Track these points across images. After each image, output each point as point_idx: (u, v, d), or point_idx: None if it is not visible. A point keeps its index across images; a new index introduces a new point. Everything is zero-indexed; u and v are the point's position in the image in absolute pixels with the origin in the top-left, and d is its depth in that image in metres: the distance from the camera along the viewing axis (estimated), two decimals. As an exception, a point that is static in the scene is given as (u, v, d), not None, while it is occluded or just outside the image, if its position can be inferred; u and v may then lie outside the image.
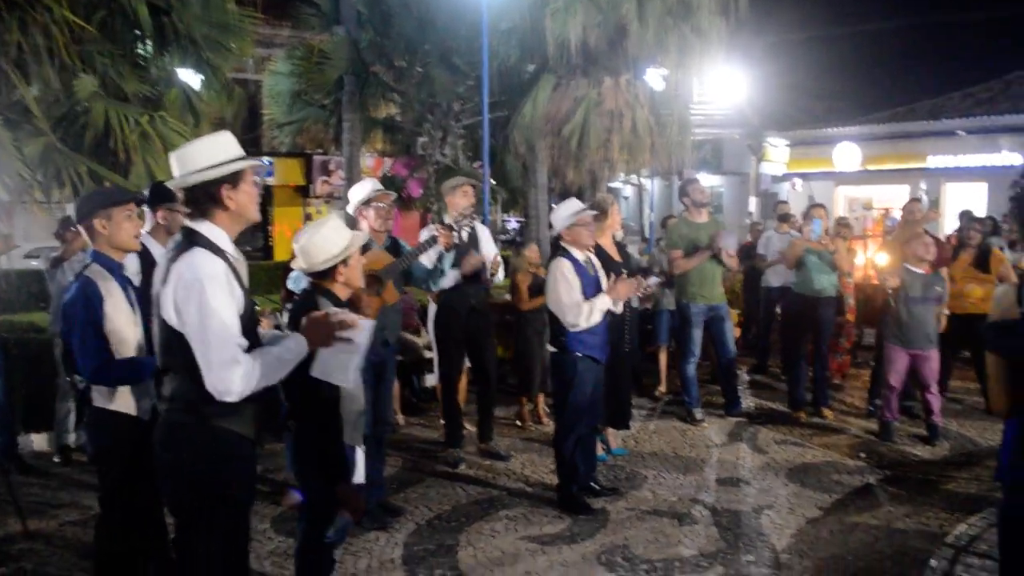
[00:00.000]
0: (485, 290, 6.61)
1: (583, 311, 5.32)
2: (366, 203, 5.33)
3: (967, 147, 21.35)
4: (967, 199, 20.64)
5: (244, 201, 2.86)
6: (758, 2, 16.85)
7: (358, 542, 4.95)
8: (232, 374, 2.65)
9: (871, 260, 8.73)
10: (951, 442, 7.14)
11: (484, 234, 6.54)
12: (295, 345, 2.86)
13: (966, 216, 10.44)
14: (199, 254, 2.73)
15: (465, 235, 6.28)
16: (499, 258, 6.50)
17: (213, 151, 2.85)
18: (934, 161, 21.77)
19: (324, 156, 21.27)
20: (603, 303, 5.39)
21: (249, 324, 2.83)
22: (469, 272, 6.26)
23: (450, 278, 6.11)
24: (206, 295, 2.67)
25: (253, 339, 2.83)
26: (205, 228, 2.82)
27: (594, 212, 5.76)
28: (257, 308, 3.45)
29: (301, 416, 3.36)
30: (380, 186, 5.47)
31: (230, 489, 2.84)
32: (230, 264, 2.80)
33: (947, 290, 7.45)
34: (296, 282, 4.96)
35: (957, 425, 7.64)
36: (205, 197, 2.82)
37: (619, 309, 5.67)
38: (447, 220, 5.88)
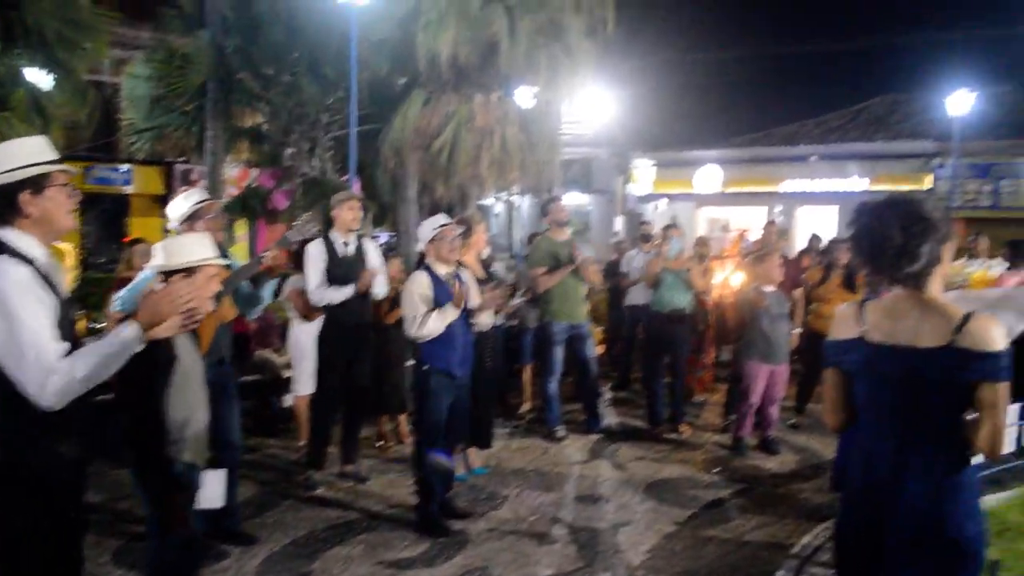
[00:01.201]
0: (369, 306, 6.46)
1: (416, 320, 5.29)
2: (192, 218, 4.87)
3: (820, 172, 22.55)
4: (819, 222, 21.67)
5: (49, 208, 2.70)
6: (627, 25, 17.31)
7: (207, 574, 4.72)
8: (49, 382, 2.52)
9: (727, 280, 9.03)
10: (800, 455, 7.44)
11: (372, 249, 6.41)
12: (123, 334, 2.69)
13: (823, 239, 11.02)
14: (1, 262, 2.57)
15: (353, 250, 6.17)
16: (383, 274, 6.40)
17: (13, 155, 2.68)
18: (789, 185, 22.88)
19: (186, 165, 20.48)
20: (443, 314, 5.36)
21: (67, 329, 2.68)
22: (364, 289, 6.12)
23: (344, 293, 6.03)
24: (11, 304, 2.52)
25: (73, 344, 2.68)
26: (8, 235, 2.65)
27: (458, 228, 5.75)
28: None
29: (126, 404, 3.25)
30: (204, 195, 5.05)
31: (48, 518, 2.65)
32: (40, 271, 2.64)
33: (800, 308, 7.77)
34: (124, 303, 4.67)
35: (806, 438, 7.98)
36: (3, 203, 2.65)
37: (486, 326, 5.66)
38: (297, 238, 5.53)
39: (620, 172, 25.47)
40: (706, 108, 24.29)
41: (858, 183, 21.97)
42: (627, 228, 24.10)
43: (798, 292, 8.85)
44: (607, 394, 9.56)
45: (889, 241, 2.54)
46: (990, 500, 5.07)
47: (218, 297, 4.86)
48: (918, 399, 2.54)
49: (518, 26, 14.33)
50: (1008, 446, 5.14)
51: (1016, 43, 22.64)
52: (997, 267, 4.64)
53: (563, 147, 17.08)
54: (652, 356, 8.17)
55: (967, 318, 2.47)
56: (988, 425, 2.46)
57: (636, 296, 9.56)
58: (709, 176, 23.49)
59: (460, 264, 5.89)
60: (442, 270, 5.50)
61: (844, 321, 2.74)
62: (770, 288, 7.29)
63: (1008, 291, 4.24)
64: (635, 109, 24.41)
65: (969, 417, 2.50)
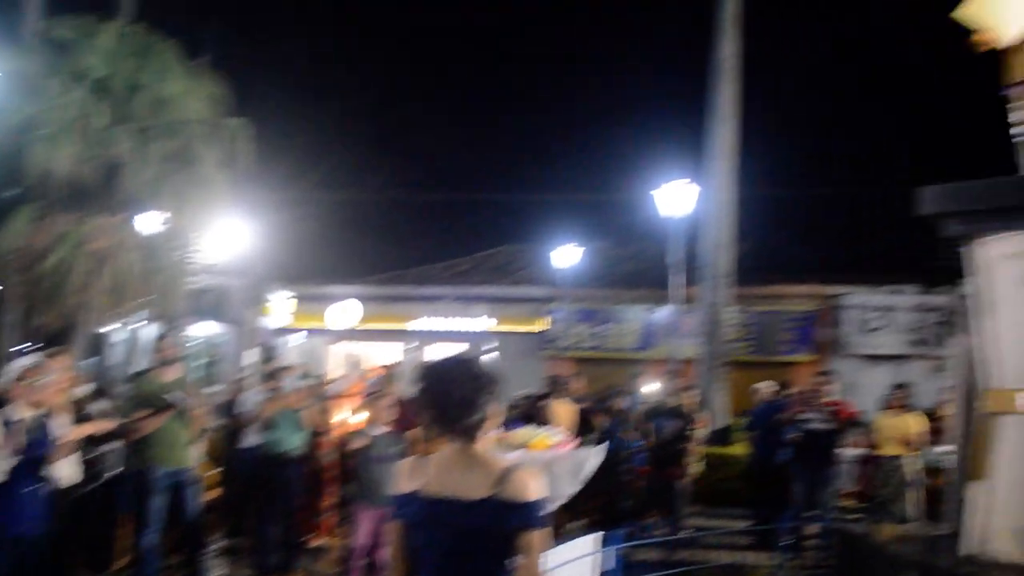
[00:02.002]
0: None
1: None
2: None
3: (450, 312, 23.79)
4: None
5: None
6: (267, 156, 17.36)
7: None
8: None
9: (349, 419, 9.04)
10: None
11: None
12: None
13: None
14: None
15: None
16: None
17: None
18: (422, 323, 23.84)
19: None
20: None
21: None
22: None
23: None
24: None
25: None
26: None
27: (53, 367, 5.23)
28: None
29: None
30: None
31: None
32: None
33: (416, 450, 7.89)
34: None
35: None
36: None
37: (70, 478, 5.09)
38: None
39: (255, 303, 24.92)
40: (345, 244, 24.84)
41: (486, 323, 23.48)
42: (260, 361, 23.46)
43: (413, 433, 9.04)
44: (217, 543, 8.96)
45: (453, 395, 2.71)
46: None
47: None
48: (468, 548, 2.67)
49: (147, 150, 13.81)
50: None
51: (612, 206, 25.96)
52: (558, 434, 5.14)
53: (194, 275, 16.41)
54: (263, 500, 7.85)
55: (508, 471, 2.66)
56: (525, 570, 2.64)
57: (251, 437, 9.21)
58: (345, 311, 23.79)
59: (54, 408, 5.32)
60: (26, 411, 4.93)
61: (404, 475, 2.83)
62: (380, 429, 7.39)
63: (562, 453, 4.71)
64: (274, 241, 24.24)
65: (517, 562, 2.67)
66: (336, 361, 24.12)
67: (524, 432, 4.87)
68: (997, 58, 5.13)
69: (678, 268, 16.27)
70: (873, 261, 22.60)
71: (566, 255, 21.53)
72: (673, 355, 16.70)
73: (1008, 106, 5.16)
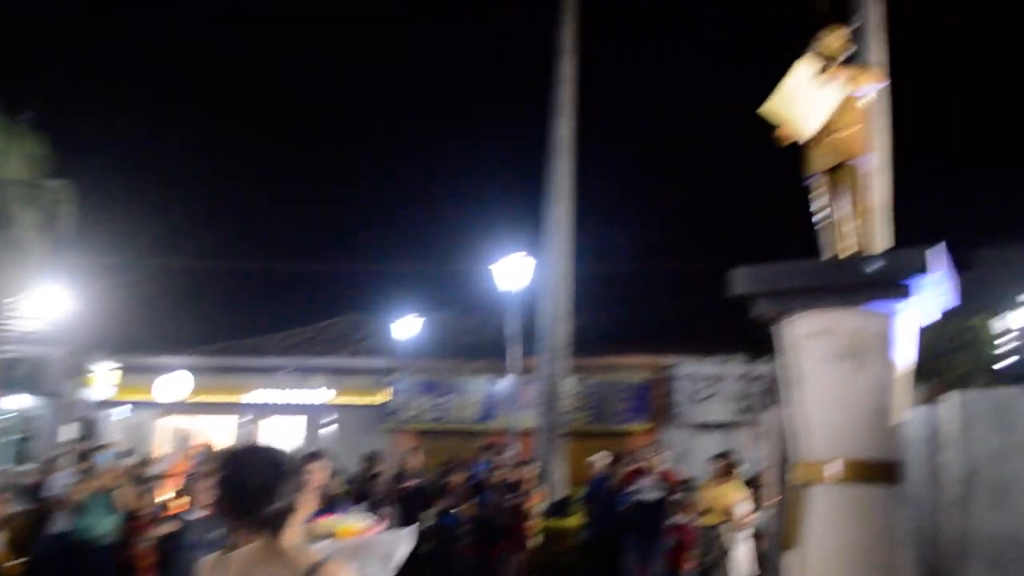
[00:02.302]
0: None
1: None
2: None
3: (288, 384, 23.06)
4: (285, 433, 21.94)
5: None
6: (91, 221, 16.52)
7: None
8: None
9: (171, 500, 8.50)
10: None
11: None
12: None
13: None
14: None
15: None
16: None
17: None
18: (257, 396, 22.97)
19: None
20: None
21: None
22: None
23: None
24: None
25: None
26: None
27: None
28: None
29: None
30: None
31: None
32: None
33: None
34: None
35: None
36: None
37: None
38: None
39: (76, 374, 23.38)
40: (175, 313, 23.80)
41: (324, 395, 22.89)
42: (78, 438, 21.92)
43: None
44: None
45: (248, 485, 2.57)
46: None
47: None
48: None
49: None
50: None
51: (452, 278, 26.17)
52: (365, 519, 5.04)
53: (6, 344, 15.27)
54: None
55: (315, 566, 2.54)
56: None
57: (60, 522, 8.53)
58: (175, 383, 22.66)
59: None
60: None
61: (206, 572, 2.65)
62: (199, 513, 6.99)
63: (371, 538, 4.58)
64: (97, 308, 22.94)
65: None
66: (164, 437, 22.86)
67: (331, 520, 4.71)
68: (800, 151, 5.54)
69: (517, 340, 16.45)
70: (702, 332, 23.55)
71: (406, 326, 21.41)
72: (513, 426, 16.75)
73: (810, 195, 5.56)
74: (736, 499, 9.28)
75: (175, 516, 6.94)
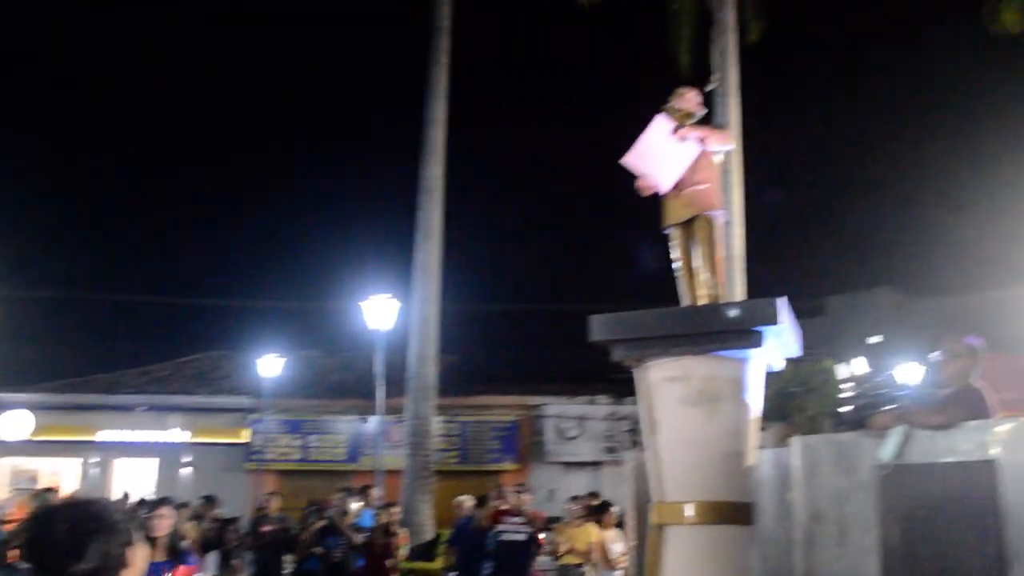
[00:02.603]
0: None
1: None
2: None
3: (141, 423, 21.99)
4: (138, 474, 20.90)
5: None
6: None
7: None
8: None
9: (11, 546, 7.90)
10: None
11: None
12: None
13: (137, 495, 10.48)
14: None
15: None
16: None
17: None
18: (108, 435, 21.80)
19: None
20: None
21: None
22: None
23: None
24: None
25: None
26: None
27: None
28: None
29: None
30: None
31: None
32: None
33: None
34: None
35: None
36: None
37: None
38: None
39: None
40: (16, 348, 22.35)
41: (179, 435, 21.96)
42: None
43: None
44: None
45: (51, 544, 2.41)
46: None
47: None
48: None
49: None
50: None
51: (316, 315, 25.73)
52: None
53: None
54: None
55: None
56: None
57: None
58: (16, 422, 21.23)
59: None
60: None
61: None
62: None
63: None
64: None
65: None
66: (6, 476, 21.38)
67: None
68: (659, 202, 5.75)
69: (384, 379, 16.27)
70: (570, 373, 23.92)
71: (270, 363, 20.81)
72: (380, 466, 16.49)
73: (669, 244, 5.77)
74: (595, 539, 9.38)
75: (9, 567, 6.48)
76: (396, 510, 10.70)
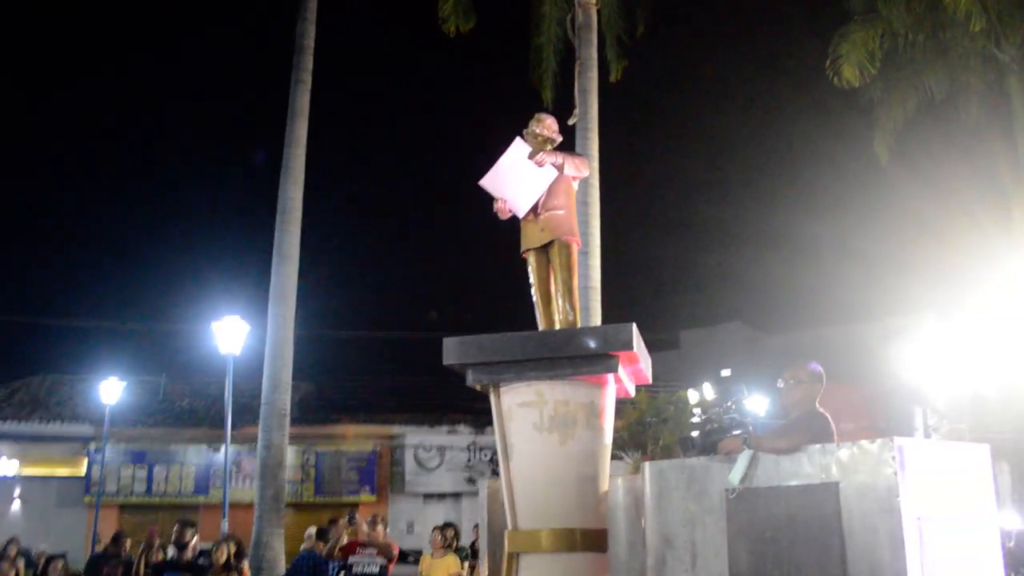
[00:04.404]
0: None
1: None
2: None
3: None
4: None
5: None
6: None
7: None
8: None
9: None
10: None
11: None
12: None
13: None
14: None
15: None
16: None
17: None
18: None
19: None
20: None
21: None
22: None
23: None
24: None
25: None
26: None
27: None
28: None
29: None
30: None
31: None
32: None
33: None
34: None
35: None
36: None
37: None
38: None
39: None
40: None
41: (8, 465, 20.46)
42: None
43: None
44: None
45: None
46: None
47: None
48: None
49: None
50: None
51: (161, 338, 24.61)
52: None
53: None
54: None
55: None
56: None
57: None
58: None
59: None
60: None
61: None
62: None
63: None
64: None
65: None
66: None
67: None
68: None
69: (236, 406, 15.63)
70: (430, 402, 23.79)
71: (112, 389, 19.52)
72: (232, 499, 15.78)
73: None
74: (454, 571, 9.21)
75: None
76: (239, 544, 10.19)
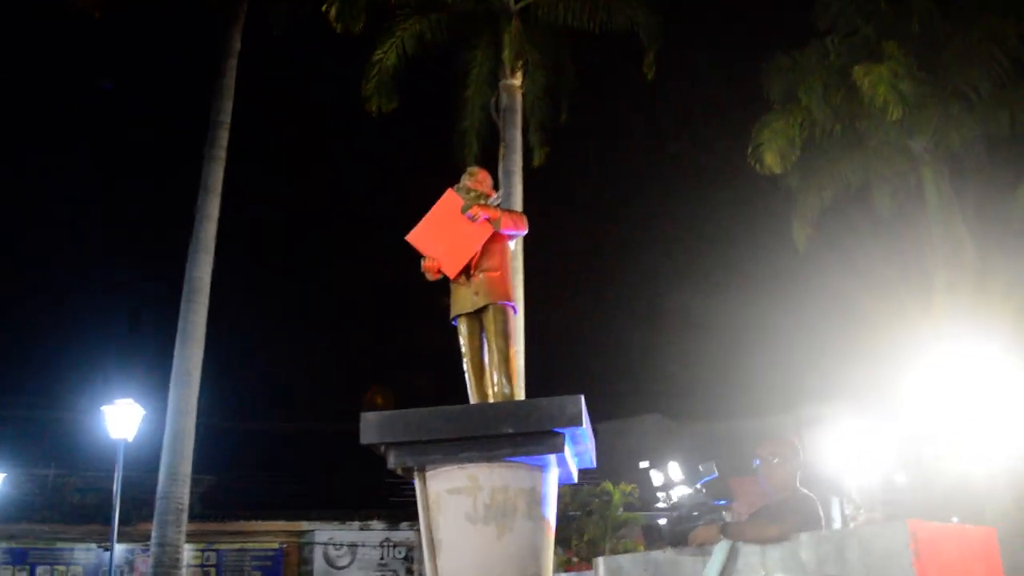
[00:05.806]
0: None
1: None
2: None
3: None
4: None
5: None
6: None
7: None
8: None
9: None
10: None
11: None
12: None
13: None
14: None
15: None
16: None
17: None
18: None
19: None
20: None
21: None
22: None
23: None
24: None
25: None
26: None
27: None
28: None
29: None
30: None
31: None
32: None
33: None
34: None
35: None
36: None
37: None
38: None
39: None
40: None
41: None
42: None
43: None
44: None
45: None
46: None
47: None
48: None
49: None
50: None
51: (53, 427, 23.03)
52: None
53: None
54: None
55: None
56: None
57: None
58: None
59: None
60: None
61: None
62: None
63: None
64: None
65: None
66: None
67: None
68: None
69: (129, 500, 14.40)
70: (342, 496, 22.85)
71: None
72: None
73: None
74: None
75: None
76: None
